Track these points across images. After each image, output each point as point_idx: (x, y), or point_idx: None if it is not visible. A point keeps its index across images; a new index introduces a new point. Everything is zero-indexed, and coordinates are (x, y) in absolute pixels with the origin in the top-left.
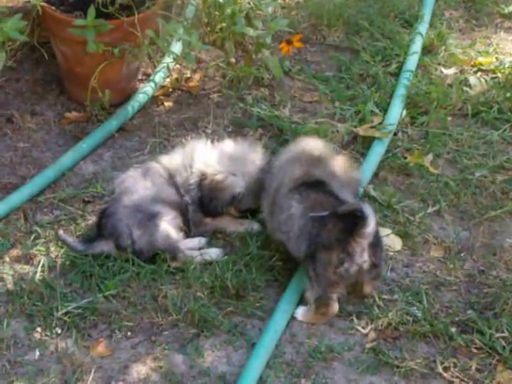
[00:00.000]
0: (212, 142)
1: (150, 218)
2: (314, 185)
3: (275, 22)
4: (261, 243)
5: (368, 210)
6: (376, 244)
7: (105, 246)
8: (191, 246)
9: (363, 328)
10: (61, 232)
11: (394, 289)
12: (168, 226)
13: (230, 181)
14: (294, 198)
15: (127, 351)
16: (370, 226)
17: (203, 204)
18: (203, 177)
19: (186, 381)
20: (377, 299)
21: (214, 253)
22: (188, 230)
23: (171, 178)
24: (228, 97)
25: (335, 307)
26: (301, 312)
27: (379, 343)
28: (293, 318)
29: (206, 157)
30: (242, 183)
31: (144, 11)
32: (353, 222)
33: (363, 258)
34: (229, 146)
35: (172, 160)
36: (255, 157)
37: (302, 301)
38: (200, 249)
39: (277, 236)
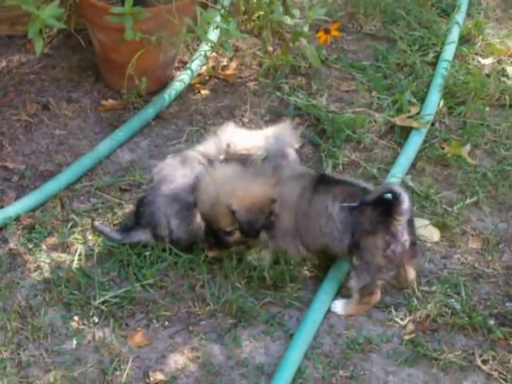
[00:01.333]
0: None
1: (188, 208)
2: (324, 179)
3: (313, 10)
4: None
5: (397, 187)
6: (411, 221)
7: (142, 235)
8: None
9: (401, 320)
10: (96, 222)
11: (432, 280)
12: None
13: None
14: (326, 199)
15: (165, 341)
16: (406, 201)
17: None
18: (242, 156)
19: (224, 371)
20: (415, 291)
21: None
22: None
23: (210, 163)
24: (265, 85)
25: (378, 295)
26: (340, 305)
27: (417, 335)
28: (330, 310)
29: (243, 138)
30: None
31: None
32: (387, 202)
33: (405, 236)
34: (267, 129)
35: (208, 146)
36: (292, 140)
37: (339, 293)
38: None
39: (317, 243)
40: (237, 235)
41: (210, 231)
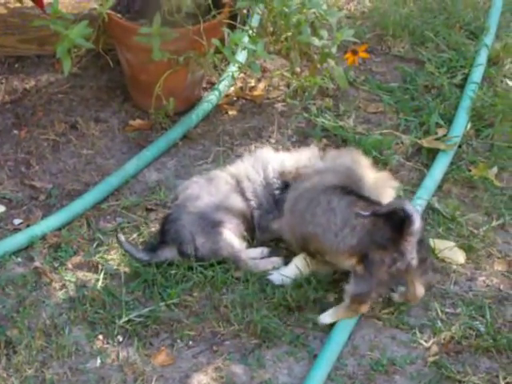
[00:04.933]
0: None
1: (213, 226)
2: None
3: (341, 32)
4: None
5: (410, 207)
6: (421, 239)
7: (168, 253)
8: (254, 256)
9: (425, 341)
10: (122, 237)
11: (457, 302)
12: (231, 234)
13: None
14: (334, 194)
15: (188, 360)
16: (417, 222)
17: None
18: (285, 175)
19: None
20: (439, 313)
21: (275, 262)
22: (251, 238)
23: (238, 184)
24: (292, 106)
25: (367, 306)
26: (327, 314)
27: (442, 357)
28: (354, 331)
29: (283, 159)
30: None
31: (209, 20)
32: (400, 220)
33: (413, 254)
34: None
35: (239, 166)
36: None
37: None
38: (262, 258)
39: (304, 229)
40: None
41: None
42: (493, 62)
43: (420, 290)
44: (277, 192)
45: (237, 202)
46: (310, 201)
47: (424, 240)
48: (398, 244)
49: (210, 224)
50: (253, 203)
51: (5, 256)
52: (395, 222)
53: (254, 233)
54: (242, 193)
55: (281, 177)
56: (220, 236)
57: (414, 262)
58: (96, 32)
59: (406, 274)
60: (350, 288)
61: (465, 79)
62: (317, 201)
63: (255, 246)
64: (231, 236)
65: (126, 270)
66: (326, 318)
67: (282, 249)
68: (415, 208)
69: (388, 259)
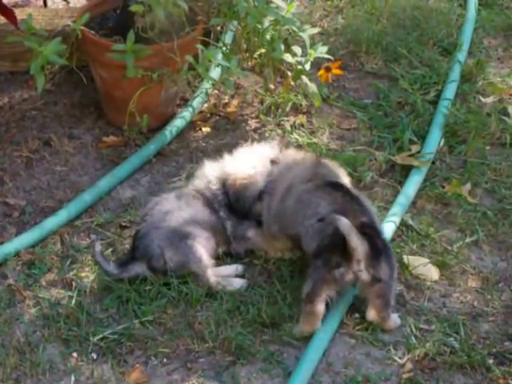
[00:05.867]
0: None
1: (182, 239)
2: (339, 187)
3: (314, 48)
4: (297, 273)
5: (343, 226)
6: (379, 258)
7: (138, 268)
8: (227, 274)
9: (400, 358)
10: (97, 248)
11: (431, 319)
12: (201, 248)
13: (249, 176)
14: (324, 198)
15: (163, 378)
16: (351, 241)
17: (232, 207)
18: (224, 179)
19: None
20: (414, 329)
21: (237, 283)
22: (225, 253)
23: (203, 197)
24: (266, 123)
25: (319, 308)
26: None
27: (416, 374)
28: (328, 348)
29: (223, 165)
30: (262, 180)
31: (183, 37)
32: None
33: (359, 267)
34: (244, 150)
35: (196, 182)
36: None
37: (337, 332)
38: (236, 276)
39: (292, 229)
40: None
41: None
42: (466, 78)
43: (370, 314)
44: (221, 201)
45: (206, 215)
46: (298, 201)
47: (388, 263)
48: (344, 251)
49: (179, 237)
50: (222, 214)
51: None
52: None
53: (228, 246)
54: (210, 205)
55: (223, 187)
56: (189, 249)
57: (364, 276)
58: (70, 48)
59: (356, 285)
60: (303, 287)
61: (438, 96)
62: (305, 202)
63: (229, 263)
64: (200, 250)
65: (100, 286)
66: (295, 329)
67: (257, 265)
68: (350, 227)
69: (333, 261)
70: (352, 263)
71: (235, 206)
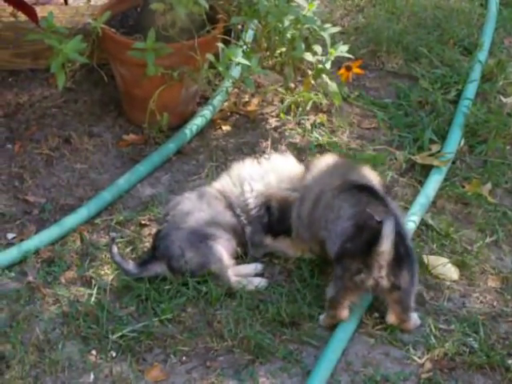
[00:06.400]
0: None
1: (202, 240)
2: (364, 189)
3: (335, 47)
4: (317, 272)
5: (387, 228)
6: (401, 266)
7: (158, 268)
8: (247, 272)
9: (419, 358)
10: (114, 250)
11: (450, 319)
12: (221, 249)
13: (294, 197)
14: (347, 201)
15: (182, 376)
16: (384, 245)
17: (272, 224)
18: (269, 200)
19: None
20: (433, 329)
21: (257, 282)
22: (244, 253)
23: (226, 199)
24: (286, 122)
25: (344, 313)
26: (321, 317)
27: (435, 374)
28: (347, 347)
29: (263, 177)
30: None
31: (204, 35)
32: (377, 235)
33: (380, 273)
34: (280, 162)
35: (223, 182)
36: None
37: (357, 331)
38: (256, 275)
39: (318, 235)
40: None
41: None
42: (486, 78)
43: (390, 318)
44: (253, 211)
45: (227, 217)
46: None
47: (409, 270)
48: (366, 256)
49: (200, 238)
50: (243, 219)
51: None
52: (371, 233)
53: (246, 248)
54: (231, 208)
55: (260, 198)
56: (209, 250)
57: (384, 283)
58: (90, 46)
59: (376, 292)
60: (326, 290)
61: (458, 95)
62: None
63: (248, 262)
64: (221, 250)
65: (120, 284)
66: (321, 318)
67: (277, 265)
68: (391, 232)
69: (354, 267)
70: (373, 269)
71: (274, 222)
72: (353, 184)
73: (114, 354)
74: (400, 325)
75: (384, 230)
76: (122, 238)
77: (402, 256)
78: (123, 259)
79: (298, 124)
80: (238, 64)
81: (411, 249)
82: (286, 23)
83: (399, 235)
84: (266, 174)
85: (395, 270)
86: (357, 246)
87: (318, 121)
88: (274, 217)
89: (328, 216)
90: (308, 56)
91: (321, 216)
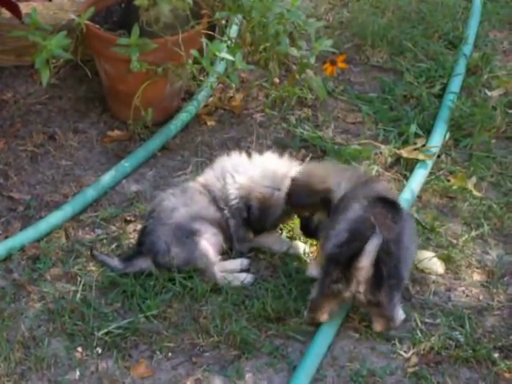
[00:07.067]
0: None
1: (189, 235)
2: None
3: (319, 42)
4: (302, 266)
5: (371, 245)
6: (379, 284)
7: (143, 263)
8: (232, 268)
9: (405, 352)
10: (96, 252)
11: (436, 313)
12: (207, 244)
13: (277, 196)
14: (360, 203)
15: (168, 372)
16: (363, 261)
17: (250, 221)
18: (249, 194)
19: None
20: (419, 323)
21: (243, 277)
22: (230, 248)
23: (210, 193)
24: (271, 117)
25: (323, 317)
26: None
27: (421, 368)
28: (333, 342)
29: (247, 171)
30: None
31: (188, 30)
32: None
33: (358, 288)
34: (269, 160)
35: (206, 176)
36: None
37: (342, 326)
38: (242, 271)
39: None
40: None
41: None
42: (471, 71)
43: (375, 326)
44: (233, 202)
45: (211, 211)
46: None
47: (387, 288)
48: (347, 267)
49: (186, 234)
50: (226, 212)
51: None
52: (358, 245)
53: (232, 243)
54: (215, 202)
55: (241, 190)
56: (195, 245)
57: (361, 298)
58: (74, 43)
59: (356, 302)
60: (311, 291)
61: (443, 89)
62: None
63: (234, 258)
64: (206, 246)
65: (105, 281)
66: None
67: (262, 260)
68: (372, 251)
69: (334, 275)
70: (351, 282)
71: (253, 219)
72: (380, 196)
73: (99, 351)
74: (387, 330)
75: (367, 246)
76: (107, 234)
77: (383, 278)
78: (107, 256)
79: (283, 119)
80: (223, 59)
81: (398, 272)
82: (271, 18)
83: (389, 255)
84: (251, 169)
85: (373, 290)
86: (342, 254)
87: (303, 115)
88: (254, 216)
89: (337, 217)
90: (292, 51)
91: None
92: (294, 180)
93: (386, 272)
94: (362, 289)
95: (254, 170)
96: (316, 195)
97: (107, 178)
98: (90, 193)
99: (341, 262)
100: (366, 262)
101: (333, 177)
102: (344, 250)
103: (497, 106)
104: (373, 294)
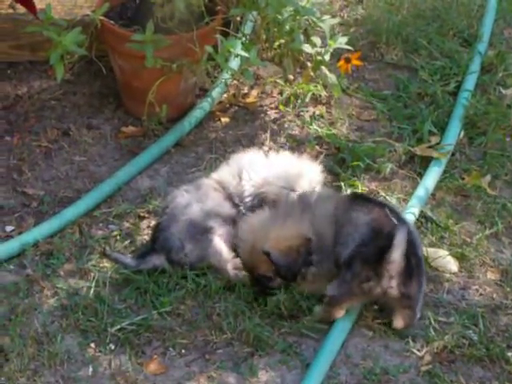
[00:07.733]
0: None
1: (203, 233)
2: (372, 199)
3: (334, 39)
4: None
5: (399, 236)
6: (411, 275)
7: (157, 260)
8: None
9: (419, 350)
10: (108, 250)
11: (450, 311)
12: (221, 241)
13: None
14: (361, 211)
15: (181, 369)
16: (394, 254)
17: None
18: (263, 193)
19: None
20: (432, 321)
21: None
22: None
23: (225, 190)
24: (285, 114)
25: (340, 313)
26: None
27: (435, 366)
28: (346, 340)
29: (264, 169)
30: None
31: (203, 27)
32: (389, 243)
33: (390, 283)
34: (286, 159)
35: (221, 172)
36: (313, 174)
37: (356, 323)
38: None
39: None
40: (278, 280)
41: (253, 279)
42: (486, 69)
43: (397, 322)
44: (248, 199)
45: (226, 208)
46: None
47: (418, 279)
48: (376, 265)
49: (200, 231)
50: (241, 209)
51: None
52: (384, 241)
53: None
54: (230, 198)
55: (257, 187)
56: (209, 242)
57: (393, 292)
58: (89, 38)
59: (384, 299)
60: (329, 287)
61: (458, 87)
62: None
63: None
64: (220, 243)
65: (118, 277)
66: (316, 310)
67: None
68: (403, 241)
69: (363, 274)
70: (383, 278)
71: None
72: (360, 195)
73: (112, 347)
74: (406, 328)
75: (396, 238)
76: (120, 230)
77: (413, 267)
78: (121, 254)
79: (297, 116)
80: (237, 56)
81: (421, 259)
82: (285, 15)
83: (411, 245)
84: (268, 167)
85: (405, 281)
86: (370, 252)
87: (317, 113)
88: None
89: (348, 230)
90: (307, 48)
91: (340, 233)
92: (271, 255)
93: (415, 262)
94: (394, 283)
95: (270, 170)
96: (298, 253)
97: (121, 173)
98: (104, 188)
99: (370, 260)
100: (397, 255)
101: (299, 228)
102: (371, 248)
103: (511, 104)
104: (406, 287)
